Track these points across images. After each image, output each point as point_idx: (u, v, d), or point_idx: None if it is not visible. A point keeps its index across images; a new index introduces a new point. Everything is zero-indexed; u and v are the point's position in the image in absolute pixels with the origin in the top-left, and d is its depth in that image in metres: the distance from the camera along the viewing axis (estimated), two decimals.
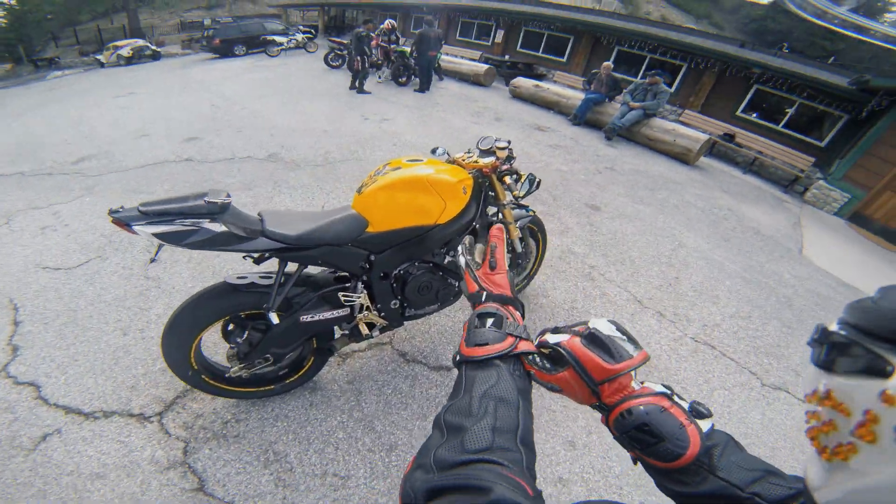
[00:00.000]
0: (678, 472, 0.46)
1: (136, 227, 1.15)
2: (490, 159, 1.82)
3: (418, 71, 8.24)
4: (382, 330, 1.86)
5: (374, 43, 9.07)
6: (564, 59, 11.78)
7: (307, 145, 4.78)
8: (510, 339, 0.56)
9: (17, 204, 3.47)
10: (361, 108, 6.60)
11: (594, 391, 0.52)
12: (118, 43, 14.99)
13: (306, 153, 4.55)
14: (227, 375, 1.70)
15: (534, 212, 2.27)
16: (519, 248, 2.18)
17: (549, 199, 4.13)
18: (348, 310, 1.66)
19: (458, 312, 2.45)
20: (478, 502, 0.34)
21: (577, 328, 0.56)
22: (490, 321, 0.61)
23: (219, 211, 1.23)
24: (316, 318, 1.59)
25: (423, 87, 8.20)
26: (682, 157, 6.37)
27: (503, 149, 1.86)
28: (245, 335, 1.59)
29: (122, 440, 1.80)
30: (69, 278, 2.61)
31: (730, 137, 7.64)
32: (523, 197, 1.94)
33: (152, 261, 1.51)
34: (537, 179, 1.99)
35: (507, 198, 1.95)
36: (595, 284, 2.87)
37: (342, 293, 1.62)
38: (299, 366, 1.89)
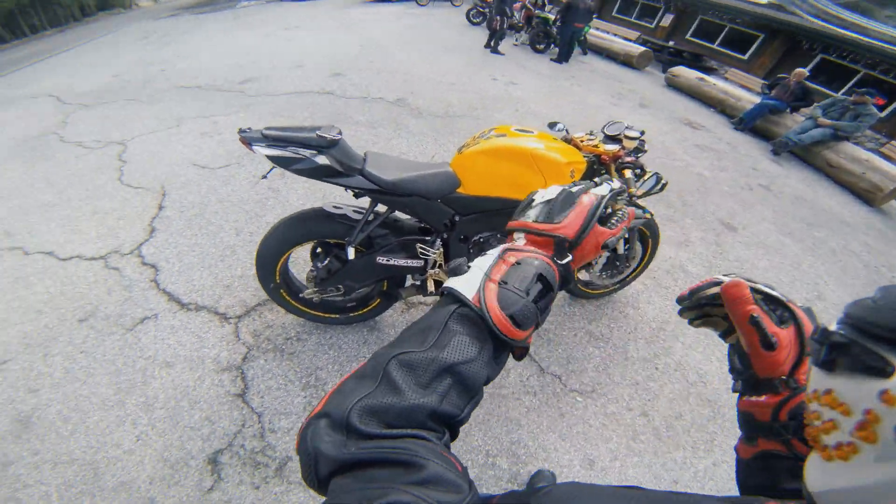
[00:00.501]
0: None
1: (255, 147, 1.30)
2: (614, 147, 1.64)
3: (559, 40, 7.66)
4: None
5: (517, 5, 8.64)
6: (745, 57, 9.96)
7: (433, 95, 4.88)
8: (533, 327, 0.42)
9: (189, 111, 4.23)
10: (492, 68, 6.43)
11: (795, 366, 0.45)
12: None
13: (430, 103, 4.66)
14: (301, 295, 1.82)
15: (651, 214, 2.00)
16: (621, 250, 1.97)
17: (678, 204, 3.61)
18: (422, 262, 1.68)
19: None
20: (406, 479, 0.30)
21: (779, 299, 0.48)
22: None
23: (326, 145, 1.31)
24: (391, 262, 1.64)
25: (562, 58, 7.63)
26: (867, 196, 4.97)
27: (633, 138, 1.66)
28: (326, 261, 1.68)
29: (200, 335, 2.05)
30: (210, 177, 3.12)
31: None
32: (641, 196, 1.71)
33: (263, 177, 1.71)
34: (663, 181, 1.74)
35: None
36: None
37: (420, 244, 1.64)
38: (366, 303, 1.98)
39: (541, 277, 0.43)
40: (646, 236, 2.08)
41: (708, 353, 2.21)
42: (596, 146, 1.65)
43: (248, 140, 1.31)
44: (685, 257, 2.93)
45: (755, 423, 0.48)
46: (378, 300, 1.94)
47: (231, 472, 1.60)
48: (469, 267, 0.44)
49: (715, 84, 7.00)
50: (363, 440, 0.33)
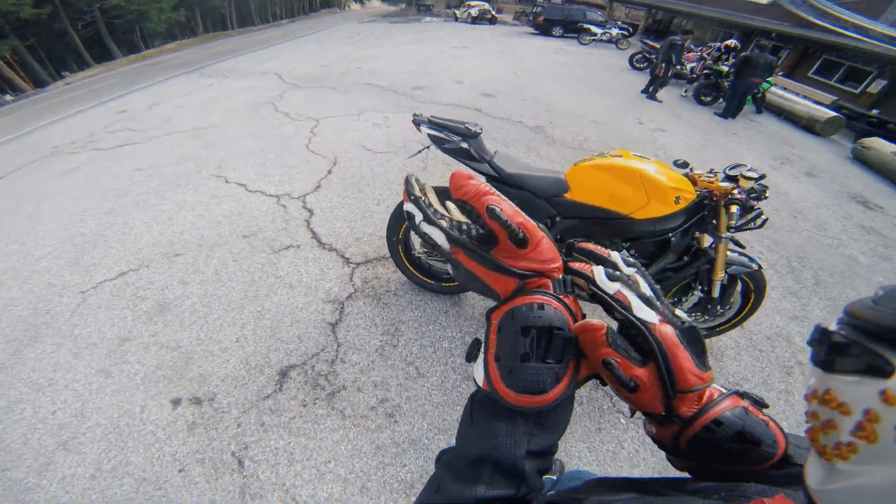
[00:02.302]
0: (765, 474, 0.41)
1: (422, 128, 1.77)
2: (728, 184, 1.66)
3: (729, 94, 7.01)
4: None
5: (692, 55, 8.18)
6: None
7: (571, 128, 5.04)
8: (569, 371, 0.38)
9: (369, 105, 5.18)
10: (642, 113, 6.27)
11: (667, 400, 0.39)
12: (471, 3, 18.63)
13: (567, 135, 4.83)
14: (412, 253, 2.21)
15: (760, 267, 1.90)
16: (716, 293, 1.87)
17: (809, 280, 3.11)
18: None
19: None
20: None
21: (658, 306, 0.40)
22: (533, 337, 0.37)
23: (470, 135, 1.74)
24: None
25: (728, 113, 6.98)
26: None
27: (749, 179, 1.65)
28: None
29: (323, 270, 2.48)
30: (372, 158, 3.83)
31: None
32: (735, 228, 1.69)
33: (411, 156, 2.21)
34: (764, 217, 1.73)
35: (727, 233, 1.75)
36: (787, 380, 2.20)
37: None
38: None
39: (525, 329, 0.37)
40: (749, 289, 1.96)
41: (780, 417, 1.99)
42: (711, 182, 1.69)
43: (418, 122, 1.78)
44: (795, 330, 2.56)
45: (664, 446, 0.46)
46: None
47: (291, 386, 1.79)
48: (478, 349, 0.40)
49: None
50: None
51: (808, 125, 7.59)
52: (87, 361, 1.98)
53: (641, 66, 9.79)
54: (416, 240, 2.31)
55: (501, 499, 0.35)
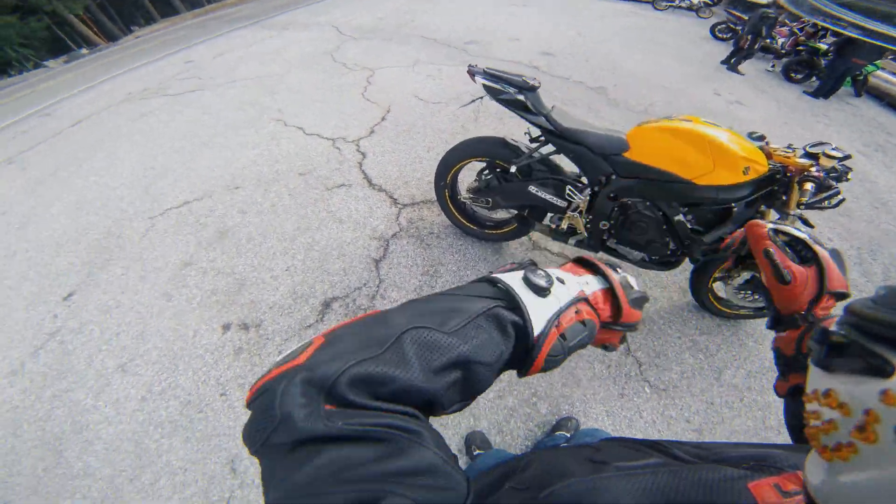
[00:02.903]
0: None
1: (477, 77, 1.76)
2: (806, 161, 1.54)
3: (826, 73, 6.16)
4: (578, 244, 2.00)
5: (784, 30, 7.22)
6: None
7: (637, 91, 4.69)
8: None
9: (424, 56, 5.12)
10: (720, 84, 5.68)
11: (814, 298, 0.49)
12: None
13: (631, 97, 4.51)
14: (458, 198, 2.20)
15: (840, 252, 1.66)
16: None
17: (879, 276, 2.82)
18: (566, 204, 1.87)
19: (656, 288, 2.23)
20: (396, 467, 0.27)
21: (813, 237, 0.51)
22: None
23: (526, 87, 1.70)
24: (539, 193, 1.87)
25: (821, 93, 6.16)
26: None
27: (832, 157, 1.54)
28: (489, 176, 1.99)
29: (372, 208, 2.53)
30: (424, 108, 3.80)
31: None
32: (806, 205, 1.57)
33: (463, 105, 2.14)
34: (840, 197, 1.57)
35: (795, 210, 1.64)
36: None
37: (571, 187, 1.84)
38: (502, 226, 2.27)
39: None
40: None
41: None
42: (788, 157, 1.57)
43: (473, 72, 1.76)
44: None
45: (784, 358, 0.52)
46: (514, 225, 2.19)
47: (332, 317, 1.82)
48: (548, 290, 0.41)
49: None
50: (349, 411, 0.28)
51: None
52: (152, 284, 2.14)
53: (724, 36, 8.76)
54: (462, 184, 2.30)
55: (440, 409, 0.35)
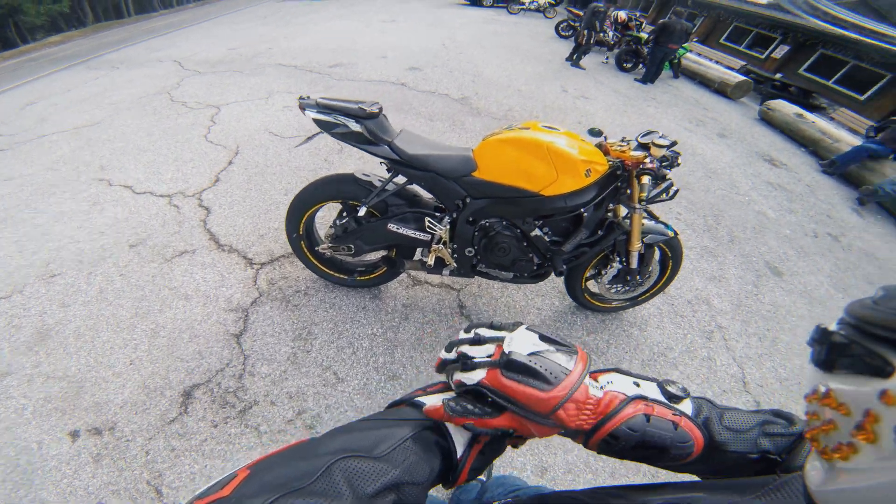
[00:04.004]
0: (691, 464, 0.46)
1: (307, 111, 1.57)
2: (640, 153, 1.61)
3: (648, 60, 7.30)
4: (452, 273, 1.93)
5: (608, 23, 8.39)
6: (863, 98, 8.85)
7: (497, 98, 4.98)
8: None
9: (280, 86, 4.78)
10: (566, 81, 6.35)
11: (551, 423, 0.43)
12: None
13: (492, 105, 4.77)
14: (316, 248, 1.97)
15: (676, 233, 1.91)
16: (634, 264, 1.87)
17: (725, 238, 3.34)
18: (429, 237, 1.78)
19: (538, 297, 2.35)
20: None
21: (489, 346, 0.45)
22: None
23: (364, 116, 1.54)
24: (400, 230, 1.76)
25: (647, 79, 7.27)
26: None
27: (661, 146, 1.62)
28: (344, 220, 1.83)
29: (223, 275, 2.22)
30: (279, 144, 3.52)
31: None
32: (647, 201, 1.69)
33: (299, 145, 1.99)
34: (675, 188, 1.74)
35: (642, 203, 1.73)
36: (709, 346, 2.31)
37: (429, 218, 1.74)
38: (373, 270, 2.12)
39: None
40: (666, 256, 2.00)
41: (705, 386, 2.09)
42: (623, 151, 1.63)
43: (303, 106, 1.58)
44: (714, 291, 2.72)
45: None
46: (384, 268, 2.07)
47: (198, 407, 1.67)
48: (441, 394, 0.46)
49: (814, 122, 6.22)
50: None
51: (719, 89, 8.14)
52: None
53: (567, 33, 9.91)
54: (320, 232, 2.14)
55: None
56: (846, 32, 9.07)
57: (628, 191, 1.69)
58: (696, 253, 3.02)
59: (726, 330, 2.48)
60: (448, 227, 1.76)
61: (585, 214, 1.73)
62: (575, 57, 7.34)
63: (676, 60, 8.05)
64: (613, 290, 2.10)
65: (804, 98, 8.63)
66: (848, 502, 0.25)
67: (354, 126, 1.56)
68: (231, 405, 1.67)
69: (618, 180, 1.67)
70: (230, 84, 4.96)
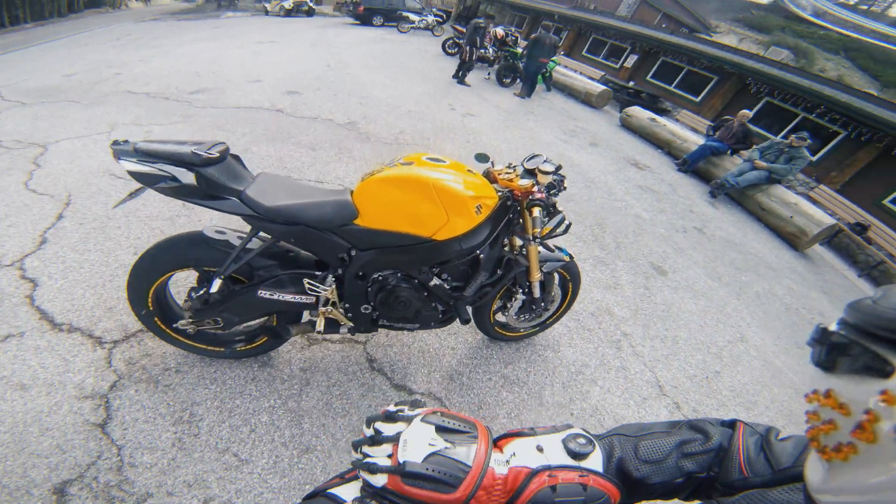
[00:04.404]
0: None
1: (122, 161, 1.21)
2: (527, 182, 1.55)
3: (524, 75, 7.99)
4: (351, 331, 1.72)
5: (488, 39, 9.03)
6: (698, 100, 10.63)
7: (386, 121, 4.92)
8: None
9: (127, 117, 4.11)
10: (453, 99, 6.60)
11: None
12: None
13: (381, 129, 4.69)
14: (174, 326, 1.64)
15: (570, 256, 1.96)
16: (537, 294, 1.87)
17: (612, 246, 3.70)
18: (313, 299, 1.53)
19: (450, 336, 2.29)
20: None
21: (386, 447, 0.46)
22: None
23: (198, 163, 1.21)
24: (275, 296, 1.49)
25: (525, 93, 7.94)
26: (792, 240, 5.25)
27: (546, 173, 1.57)
28: (201, 291, 1.50)
29: (67, 358, 1.89)
30: (124, 188, 2.97)
31: (861, 229, 6.07)
32: (544, 237, 1.68)
33: (116, 205, 1.45)
34: (566, 223, 1.71)
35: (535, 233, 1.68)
36: (619, 355, 2.50)
37: (308, 280, 1.48)
38: (254, 338, 1.81)
39: None
40: (566, 279, 2.06)
41: (626, 397, 2.21)
42: (511, 180, 1.55)
43: (116, 153, 1.22)
44: (612, 300, 2.96)
45: None
46: (265, 337, 1.79)
47: (80, 503, 1.46)
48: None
49: (665, 125, 7.41)
50: None
51: (585, 99, 9.25)
52: None
53: (452, 51, 10.42)
54: (180, 299, 1.78)
55: None
56: (679, 41, 11.02)
57: (520, 221, 1.64)
58: (590, 264, 3.24)
59: (631, 336, 2.68)
60: (334, 285, 1.52)
61: (482, 256, 1.62)
62: (460, 74, 7.70)
63: (548, 74, 8.93)
64: (521, 320, 2.10)
65: (653, 103, 10.23)
66: (848, 502, 0.26)
67: (186, 177, 1.23)
68: (119, 499, 1.46)
69: (509, 212, 1.60)
70: (62, 116, 4.12)
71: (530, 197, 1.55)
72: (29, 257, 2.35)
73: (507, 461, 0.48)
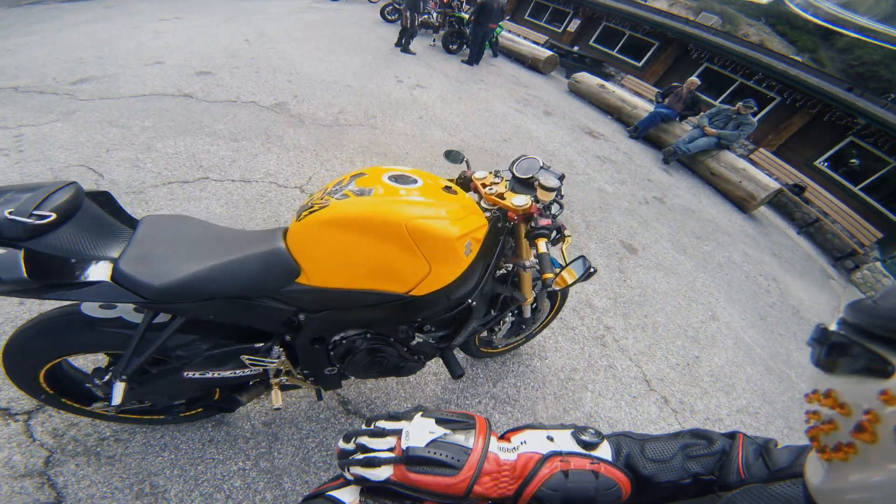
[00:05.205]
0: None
1: None
2: (525, 201, 1.17)
3: (471, 41, 7.46)
4: (318, 394, 1.45)
5: (433, 3, 8.35)
6: (640, 65, 10.74)
7: (322, 100, 4.29)
8: None
9: None
10: (398, 69, 5.98)
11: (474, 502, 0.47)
12: None
13: (317, 109, 4.07)
14: (85, 409, 1.27)
15: (561, 266, 1.69)
16: (527, 315, 1.64)
17: (582, 227, 3.47)
18: (260, 370, 1.17)
19: (432, 363, 1.94)
20: None
21: (390, 439, 0.48)
22: None
23: (22, 236, 0.73)
24: (207, 375, 1.10)
25: (473, 60, 7.44)
26: (741, 203, 5.49)
27: (549, 189, 1.17)
28: (106, 377, 1.07)
29: None
30: None
31: (799, 189, 6.60)
32: (564, 288, 1.13)
33: None
34: (591, 268, 1.16)
35: (531, 259, 1.34)
36: (605, 352, 2.34)
37: (248, 356, 1.10)
38: (196, 404, 1.43)
39: None
40: (555, 293, 1.78)
41: (617, 398, 2.08)
42: (501, 195, 1.20)
43: None
44: (591, 290, 2.76)
45: None
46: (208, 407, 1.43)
47: None
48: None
49: (613, 91, 7.29)
50: None
51: (532, 64, 8.90)
52: None
53: (392, 17, 9.55)
54: (80, 372, 1.32)
55: None
56: (621, 5, 10.88)
57: (512, 243, 1.31)
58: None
59: (614, 330, 2.53)
60: (283, 355, 1.16)
61: (474, 304, 1.22)
62: (403, 42, 7.03)
63: (495, 39, 8.48)
64: (510, 342, 1.88)
65: (596, 68, 10.15)
66: (848, 502, 0.25)
67: (3, 264, 0.78)
68: None
69: (499, 235, 1.24)
70: None
71: (531, 224, 1.17)
72: None
73: (516, 448, 0.49)
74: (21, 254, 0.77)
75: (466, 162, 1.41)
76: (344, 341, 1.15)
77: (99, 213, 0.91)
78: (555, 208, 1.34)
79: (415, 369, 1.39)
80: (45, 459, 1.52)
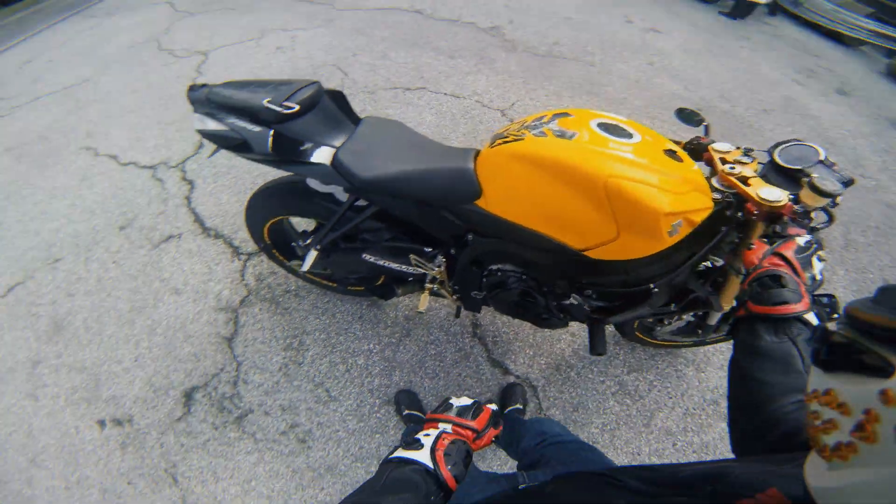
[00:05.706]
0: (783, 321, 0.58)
1: (195, 119, 1.09)
2: (779, 196, 0.83)
3: None
4: (457, 312, 1.55)
5: None
6: None
7: (537, 28, 3.94)
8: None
9: (274, 23, 4.08)
10: (630, 8, 5.02)
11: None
12: None
13: (532, 37, 3.76)
14: (286, 263, 1.64)
15: (834, 296, 0.99)
16: (713, 322, 1.38)
17: (839, 244, 2.46)
18: (420, 272, 1.31)
19: (564, 333, 1.84)
20: None
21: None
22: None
23: (273, 120, 0.99)
24: (380, 262, 1.31)
25: (738, 13, 5.69)
26: None
27: (826, 194, 0.80)
28: (306, 241, 1.31)
29: (211, 266, 2.00)
30: None
31: None
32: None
33: (209, 156, 1.61)
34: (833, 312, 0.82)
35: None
36: None
37: (415, 256, 1.23)
38: (362, 282, 1.66)
39: (467, 455, 0.59)
40: None
41: None
42: (746, 180, 0.89)
43: (194, 100, 1.10)
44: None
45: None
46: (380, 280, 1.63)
47: (199, 409, 1.66)
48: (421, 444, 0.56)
49: None
50: None
51: (832, 32, 6.32)
52: (13, 387, 1.84)
53: None
54: (295, 232, 1.65)
55: None
56: None
57: (735, 239, 1.00)
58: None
59: None
60: (443, 266, 1.26)
61: (655, 291, 1.05)
62: None
63: None
64: (676, 335, 1.58)
65: None
66: (848, 502, 0.25)
67: (261, 139, 1.01)
68: (228, 411, 1.65)
69: (723, 225, 0.96)
70: (221, 24, 4.27)
71: (776, 227, 0.88)
72: (189, 160, 2.51)
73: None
74: (271, 133, 1.01)
75: (706, 127, 1.11)
76: (499, 273, 1.18)
77: (333, 108, 1.11)
78: (819, 217, 0.93)
79: (556, 326, 1.36)
80: (242, 298, 1.92)
